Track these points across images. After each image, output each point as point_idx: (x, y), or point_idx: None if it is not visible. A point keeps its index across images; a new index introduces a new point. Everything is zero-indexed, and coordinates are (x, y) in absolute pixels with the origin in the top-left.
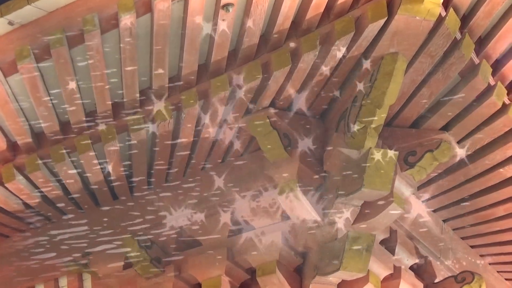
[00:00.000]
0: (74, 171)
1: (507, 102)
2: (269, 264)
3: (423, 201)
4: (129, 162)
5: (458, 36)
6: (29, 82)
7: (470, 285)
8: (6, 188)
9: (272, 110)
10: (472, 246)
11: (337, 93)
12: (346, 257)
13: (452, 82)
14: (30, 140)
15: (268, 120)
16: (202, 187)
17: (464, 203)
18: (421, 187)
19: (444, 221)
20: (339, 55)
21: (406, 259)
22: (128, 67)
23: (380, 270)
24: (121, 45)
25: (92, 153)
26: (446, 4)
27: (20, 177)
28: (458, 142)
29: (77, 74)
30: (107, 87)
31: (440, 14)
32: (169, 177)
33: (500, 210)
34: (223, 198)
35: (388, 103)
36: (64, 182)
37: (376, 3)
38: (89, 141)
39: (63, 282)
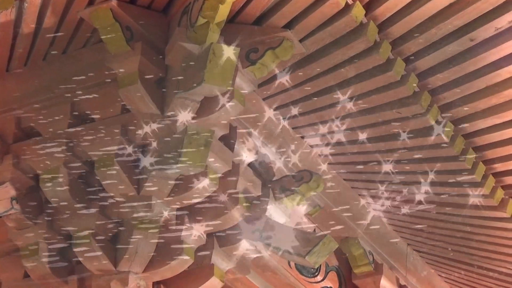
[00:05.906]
0: None
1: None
2: (107, 158)
3: (263, 99)
4: None
5: None
6: None
7: (308, 184)
8: None
9: (114, 2)
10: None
11: None
12: (184, 151)
13: None
14: None
15: (110, 12)
16: (44, 77)
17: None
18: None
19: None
20: None
21: (245, 156)
22: None
23: (218, 166)
24: None
25: None
26: None
27: None
28: (300, 41)
29: None
30: None
31: None
32: (10, 67)
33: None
34: (64, 89)
35: None
36: None
37: None
38: None
39: None
